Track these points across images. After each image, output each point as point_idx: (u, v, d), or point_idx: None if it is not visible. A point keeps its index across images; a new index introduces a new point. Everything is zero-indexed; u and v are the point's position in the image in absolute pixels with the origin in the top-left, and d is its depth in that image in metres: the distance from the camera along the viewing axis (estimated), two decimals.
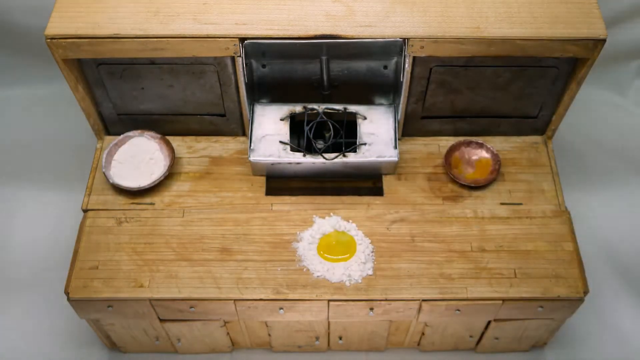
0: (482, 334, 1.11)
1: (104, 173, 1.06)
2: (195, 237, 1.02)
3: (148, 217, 1.04)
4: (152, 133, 1.10)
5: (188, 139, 1.13)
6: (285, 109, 1.09)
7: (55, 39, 0.95)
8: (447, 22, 0.96)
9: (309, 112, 1.08)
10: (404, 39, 0.96)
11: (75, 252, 1.01)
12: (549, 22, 0.96)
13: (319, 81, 1.07)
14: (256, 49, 1.00)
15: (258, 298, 0.97)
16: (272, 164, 1.06)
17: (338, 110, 1.08)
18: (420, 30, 0.96)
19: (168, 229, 1.03)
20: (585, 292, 0.98)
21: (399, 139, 1.09)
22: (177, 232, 1.03)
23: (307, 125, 1.07)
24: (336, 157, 1.05)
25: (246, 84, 1.03)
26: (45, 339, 1.20)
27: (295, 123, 1.09)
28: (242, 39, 0.96)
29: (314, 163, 1.06)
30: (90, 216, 1.05)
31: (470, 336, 1.13)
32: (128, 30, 0.95)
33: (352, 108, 1.09)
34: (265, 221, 1.04)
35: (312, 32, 0.96)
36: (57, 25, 0.95)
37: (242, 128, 1.13)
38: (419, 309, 1.00)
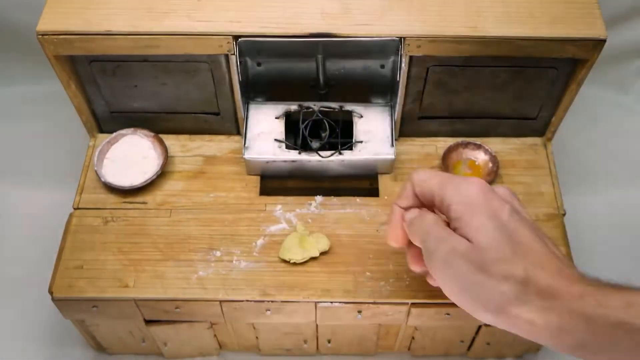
0: (473, 338, 1.09)
1: (95, 171, 1.05)
2: (182, 237, 1.01)
3: (135, 217, 1.03)
4: (145, 131, 1.09)
5: (182, 137, 1.13)
6: (280, 108, 1.08)
7: (46, 35, 0.94)
8: (444, 21, 0.95)
9: (305, 110, 1.07)
10: (401, 38, 0.94)
11: (60, 251, 1.00)
12: (548, 21, 0.94)
13: (315, 80, 1.06)
14: (251, 47, 0.99)
15: (244, 299, 0.96)
16: (267, 162, 1.05)
17: (334, 108, 1.07)
18: (417, 29, 0.94)
19: (155, 229, 1.02)
20: None
21: (395, 140, 1.07)
22: (164, 231, 1.02)
23: (303, 123, 1.05)
24: (332, 154, 1.04)
25: (240, 83, 1.02)
26: (31, 339, 1.19)
27: (291, 122, 1.08)
28: (236, 37, 0.95)
29: (309, 161, 1.05)
30: (77, 215, 1.04)
31: (461, 341, 1.11)
32: (120, 26, 0.94)
33: (349, 107, 1.07)
34: (254, 222, 1.03)
35: (307, 31, 0.95)
36: (49, 22, 0.94)
37: (236, 127, 1.12)
38: (408, 313, 0.98)
